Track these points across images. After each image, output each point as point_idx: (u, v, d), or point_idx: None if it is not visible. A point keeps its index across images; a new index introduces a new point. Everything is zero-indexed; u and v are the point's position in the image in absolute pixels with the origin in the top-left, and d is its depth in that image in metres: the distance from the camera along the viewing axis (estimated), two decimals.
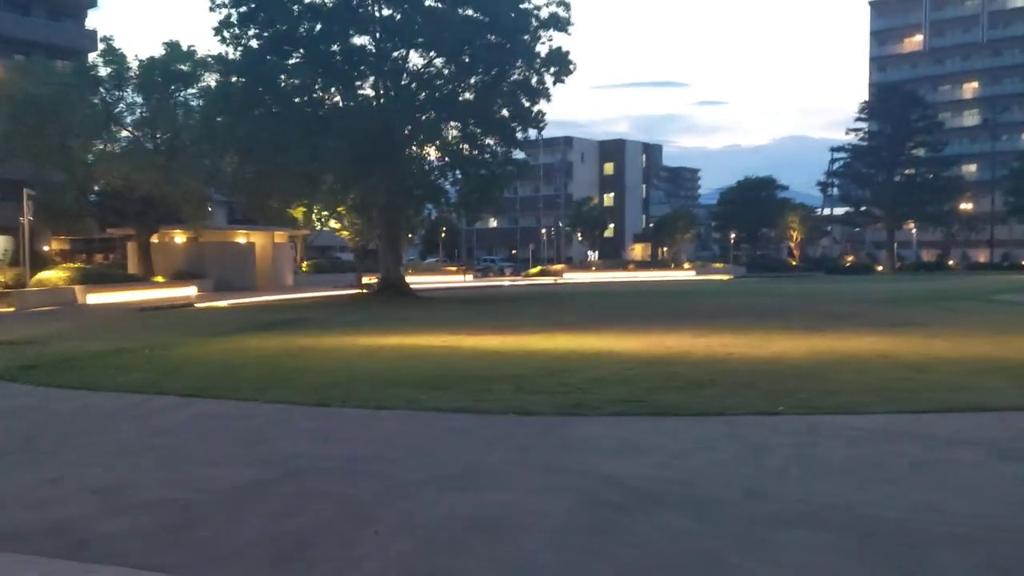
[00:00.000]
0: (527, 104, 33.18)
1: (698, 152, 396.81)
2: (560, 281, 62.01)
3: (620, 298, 35.16)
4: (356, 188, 31.96)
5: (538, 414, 9.21)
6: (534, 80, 32.68)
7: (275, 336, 18.25)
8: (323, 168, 30.55)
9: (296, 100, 30.85)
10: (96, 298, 34.00)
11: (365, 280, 39.26)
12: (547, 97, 32.83)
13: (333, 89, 32.03)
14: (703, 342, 16.06)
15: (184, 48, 40.21)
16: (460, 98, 33.39)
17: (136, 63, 40.08)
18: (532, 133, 34.16)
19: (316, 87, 31.23)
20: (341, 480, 6.72)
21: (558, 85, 32.60)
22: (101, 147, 39.64)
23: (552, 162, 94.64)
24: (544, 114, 33.85)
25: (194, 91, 39.68)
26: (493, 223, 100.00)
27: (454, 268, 71.67)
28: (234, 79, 30.55)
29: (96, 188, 42.40)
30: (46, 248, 58.46)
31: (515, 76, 32.67)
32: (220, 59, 30.96)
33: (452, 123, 33.69)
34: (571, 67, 32.73)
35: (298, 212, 52.09)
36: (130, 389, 10.94)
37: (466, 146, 34.11)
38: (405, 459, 7.35)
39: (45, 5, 58.91)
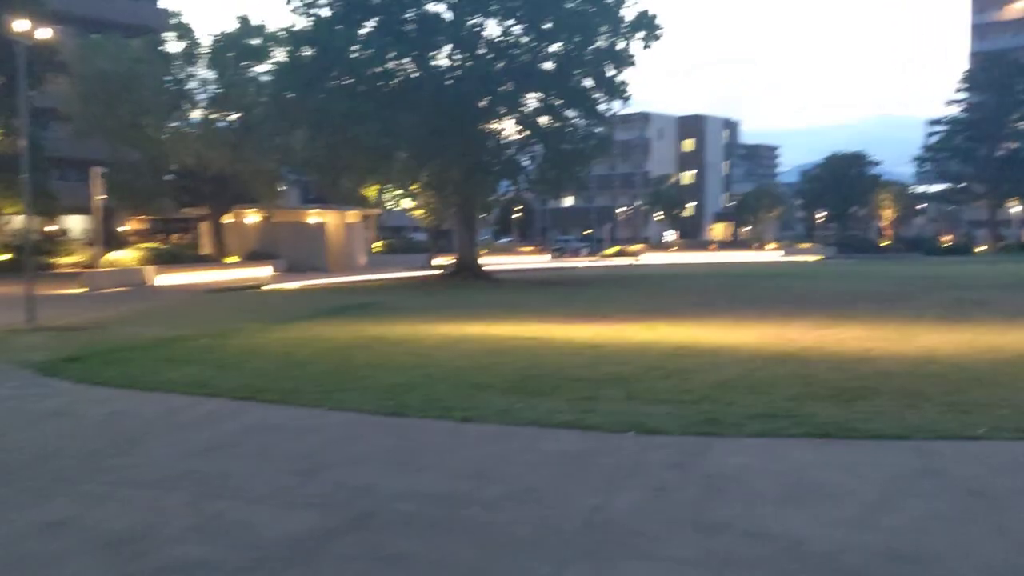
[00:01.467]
0: (611, 73, 30.98)
1: (775, 131, 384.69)
2: (638, 262, 59.61)
3: (711, 281, 32.80)
4: (430, 164, 30.34)
5: (664, 432, 7.32)
6: (620, 46, 30.44)
7: (344, 323, 16.72)
8: (396, 143, 29.02)
9: (367, 72, 29.27)
10: (165, 279, 33.30)
11: (438, 261, 37.74)
12: (632, 63, 30.56)
13: (407, 60, 30.34)
14: (831, 335, 13.88)
15: (255, 23, 39.23)
16: (540, 67, 31.39)
17: (208, 39, 39.32)
18: (615, 105, 31.95)
19: (389, 57, 29.59)
20: (424, 534, 4.98)
21: (646, 51, 30.28)
22: (174, 125, 38.89)
23: (629, 139, 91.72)
24: (627, 84, 31.65)
25: (266, 67, 38.62)
26: (568, 202, 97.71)
27: (529, 249, 69.90)
28: (304, 51, 29.11)
29: (170, 167, 41.84)
30: (123, 228, 58.95)
31: (599, 43, 30.49)
32: (290, 31, 29.46)
33: (531, 94, 31.72)
34: (659, 32, 30.40)
35: (371, 191, 51.02)
36: (178, 388, 9.44)
37: (546, 119, 32.14)
38: (504, 501, 5.57)
39: None
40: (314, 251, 45.69)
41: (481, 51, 31.68)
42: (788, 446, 6.91)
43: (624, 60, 30.62)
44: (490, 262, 43.64)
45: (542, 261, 60.54)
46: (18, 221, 50.54)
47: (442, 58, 31.92)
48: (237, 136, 38.17)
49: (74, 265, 41.59)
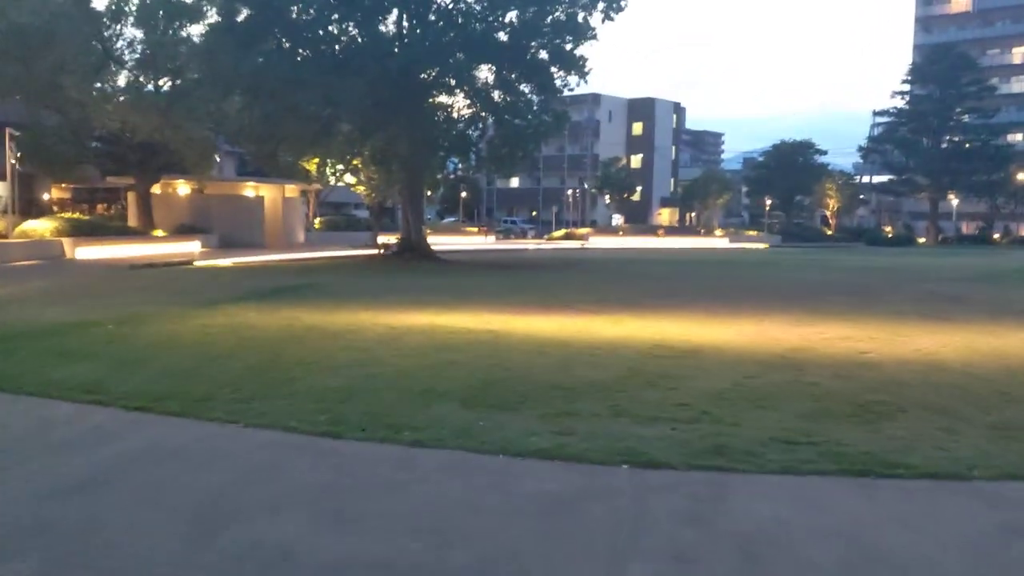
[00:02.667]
0: (569, 46, 29.41)
1: (719, 119, 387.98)
2: (587, 246, 58.57)
3: (666, 268, 31.66)
4: (375, 137, 28.42)
5: (666, 465, 5.89)
6: (580, 17, 28.85)
7: (276, 309, 14.95)
8: (338, 113, 27.05)
9: (308, 35, 27.13)
10: (86, 252, 30.89)
11: (381, 240, 35.86)
12: (593, 37, 29.03)
13: (351, 24, 28.26)
14: (815, 333, 12.64)
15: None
16: (493, 38, 29.64)
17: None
18: (572, 81, 30.36)
19: (332, 20, 27.47)
20: None
21: (607, 24, 28.77)
22: (98, 87, 36.11)
23: (579, 120, 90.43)
24: (586, 60, 30.12)
25: (199, 28, 36.07)
26: (515, 183, 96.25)
27: (475, 229, 68.29)
28: (240, 9, 26.82)
29: (94, 133, 38.97)
30: (46, 197, 55.45)
31: (557, 13, 28.86)
32: None
33: (483, 66, 29.97)
34: (622, 3, 28.89)
35: (311, 165, 48.74)
36: (61, 393, 7.68)
37: (499, 93, 30.45)
38: None
39: None
40: (250, 226, 43.40)
41: (432, 18, 29.80)
42: (824, 489, 5.53)
43: (583, 32, 29.07)
44: (435, 242, 41.89)
45: (488, 242, 59.00)
46: None
47: (390, 24, 29.97)
48: (167, 101, 35.60)
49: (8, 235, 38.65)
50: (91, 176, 45.95)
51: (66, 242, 31.09)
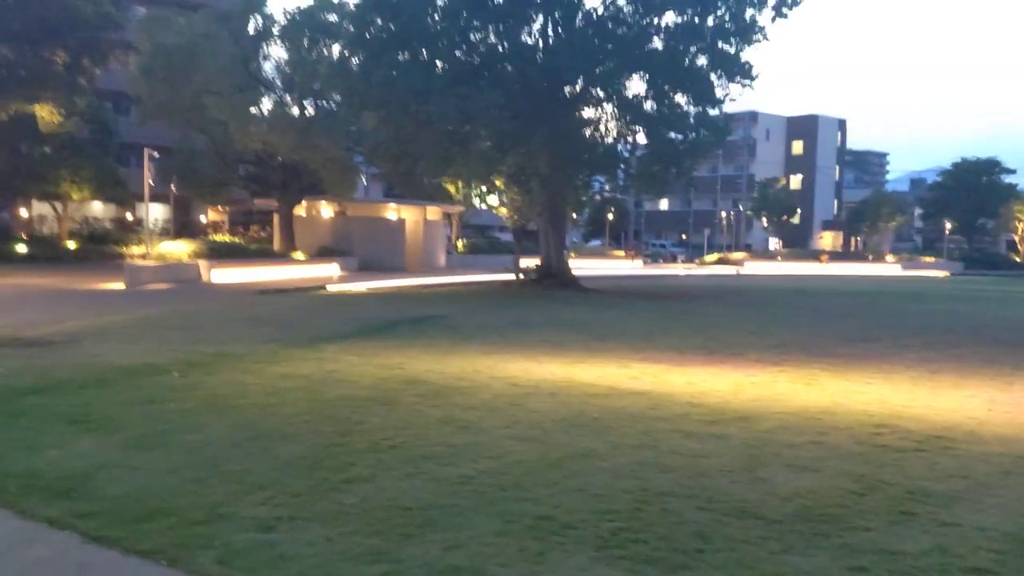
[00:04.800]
0: (733, 49, 26.02)
1: (879, 139, 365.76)
2: (742, 272, 54.10)
3: (844, 300, 27.41)
4: (513, 153, 26.02)
5: None
6: (747, 15, 25.43)
7: (384, 349, 12.54)
8: (474, 127, 24.82)
9: (444, 43, 25.05)
10: (221, 275, 30.00)
11: (525, 264, 33.42)
12: (763, 38, 25.54)
13: (490, 32, 25.99)
14: None
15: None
16: (646, 45, 26.67)
17: (282, 15, 36.00)
18: (735, 90, 26.86)
19: (471, 27, 25.28)
20: None
21: (778, 22, 25.21)
22: (240, 107, 35.73)
23: (734, 139, 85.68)
24: (752, 65, 26.62)
25: (339, 46, 35.05)
26: (664, 204, 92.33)
27: (621, 253, 65.07)
28: (374, 18, 25.09)
29: (238, 154, 38.77)
30: (202, 219, 56.78)
31: (721, 12, 25.55)
32: None
33: (635, 74, 27.00)
34: None
35: (454, 186, 47.18)
36: (22, 491, 5.37)
37: (651, 104, 27.39)
38: None
39: None
40: (390, 249, 42.13)
41: (578, 24, 27.17)
42: None
43: (750, 33, 25.60)
44: (579, 266, 39.14)
45: (635, 267, 55.66)
46: (91, 208, 48.91)
47: (533, 33, 27.52)
48: (306, 120, 34.73)
49: (142, 257, 39.15)
50: (243, 198, 46.27)
51: (202, 265, 30.38)
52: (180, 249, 31.34)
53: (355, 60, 26.56)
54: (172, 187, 44.08)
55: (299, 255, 38.53)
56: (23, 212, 45.88)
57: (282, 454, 6.42)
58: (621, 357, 12.25)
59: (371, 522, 4.95)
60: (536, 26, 27.62)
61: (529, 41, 26.64)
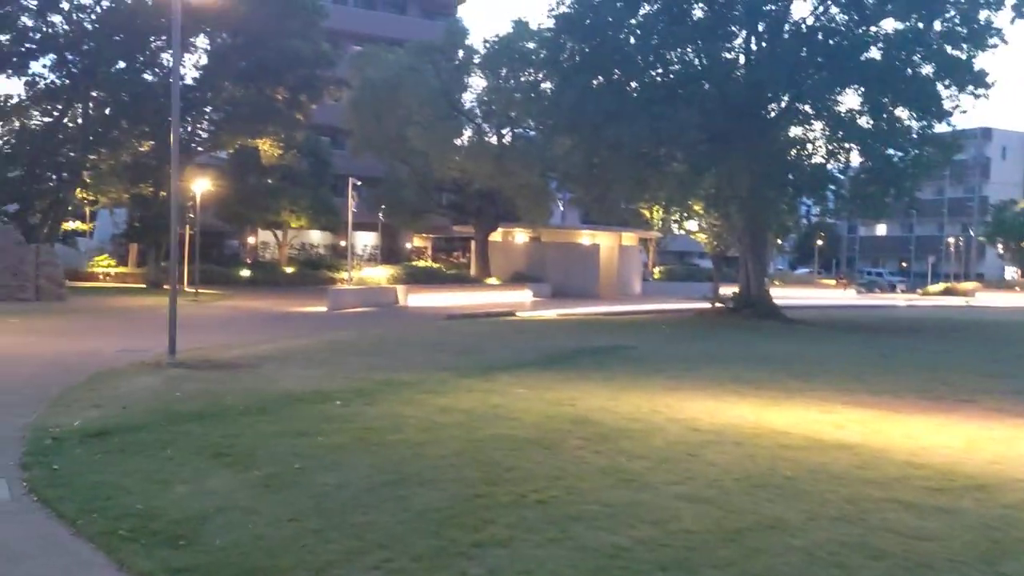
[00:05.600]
0: (963, 55, 23.22)
1: None
2: (973, 303, 48.56)
3: None
4: (710, 175, 24.55)
5: None
6: (981, 17, 22.62)
7: (558, 382, 11.74)
8: (668, 148, 23.66)
9: (639, 61, 24.06)
10: (417, 299, 30.64)
11: (725, 292, 31.62)
12: (1000, 41, 22.59)
13: (687, 48, 24.73)
14: None
15: (534, 26, 35.93)
16: (862, 56, 24.40)
17: (482, 45, 36.67)
18: (966, 102, 23.98)
19: (667, 45, 24.15)
20: None
21: (1017, 23, 22.26)
22: (439, 136, 36.65)
23: (963, 158, 78.21)
24: (987, 73, 23.62)
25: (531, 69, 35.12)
26: (881, 230, 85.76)
27: (831, 282, 60.84)
28: (565, 40, 24.63)
29: (437, 182, 39.81)
30: (408, 245, 59.09)
31: (951, 14, 22.88)
32: (555, 14, 24.86)
33: (848, 87, 24.75)
34: None
35: (652, 212, 46.00)
36: (129, 535, 5.00)
37: (866, 119, 24.99)
38: None
39: (418, 4, 59.30)
40: (584, 275, 41.57)
41: (784, 36, 25.37)
42: None
43: (983, 38, 22.74)
44: (782, 295, 36.58)
45: (847, 297, 51.64)
46: (308, 235, 52.17)
47: (734, 48, 26.00)
48: (501, 147, 35.01)
49: (345, 281, 41.09)
50: (444, 225, 47.64)
51: (399, 289, 31.19)
52: (380, 274, 32.41)
53: (548, 85, 26.26)
54: (380, 215, 46.12)
55: (493, 280, 38.85)
56: (251, 239, 49.69)
57: (416, 504, 5.73)
58: (825, 400, 10.71)
59: None
60: (738, 41, 26.13)
61: (729, 56, 25.15)
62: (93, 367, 11.81)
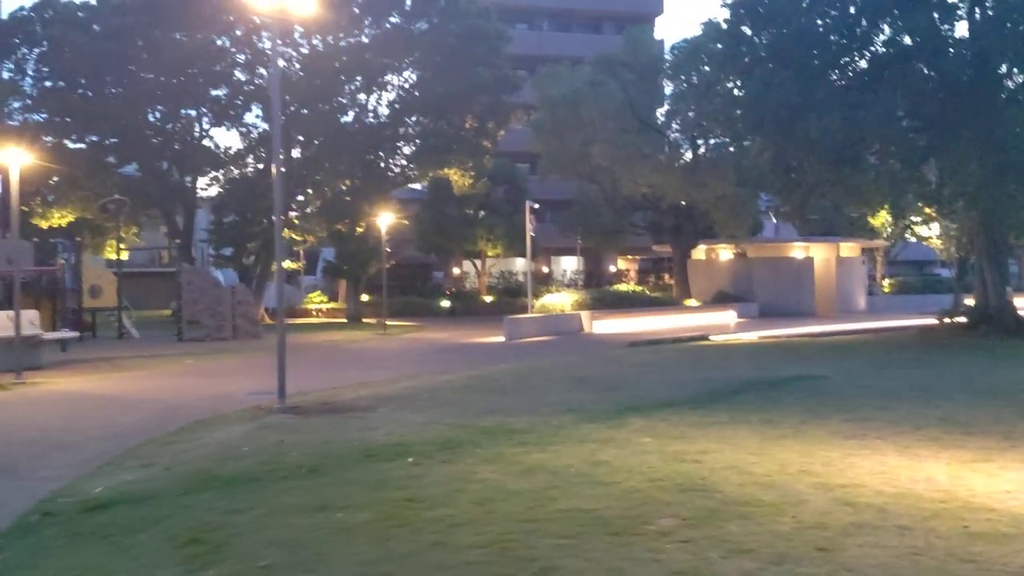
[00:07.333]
0: None
1: None
2: None
3: None
4: (928, 168, 20.84)
5: None
6: None
7: (700, 427, 9.59)
8: (866, 141, 20.35)
9: (833, 43, 20.89)
10: (603, 326, 28.87)
11: (956, 306, 27.11)
12: None
13: (891, 24, 21.19)
14: None
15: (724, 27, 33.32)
16: None
17: (669, 52, 34.59)
18: None
19: (862, 24, 20.80)
20: None
21: None
22: (624, 151, 34.81)
23: None
24: None
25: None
26: None
27: None
28: (744, 34, 22.03)
29: (625, 199, 37.91)
30: (612, 268, 57.45)
31: None
32: (732, 6, 22.26)
33: None
34: None
35: (878, 217, 41.24)
36: None
37: None
38: None
39: (613, 21, 58.04)
40: (796, 292, 37.89)
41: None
42: None
43: None
44: None
45: None
46: (508, 263, 51.97)
47: (950, 19, 22.09)
48: (691, 159, 32.56)
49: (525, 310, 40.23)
50: (646, 245, 45.61)
51: (584, 315, 29.58)
52: (562, 300, 30.95)
53: (730, 86, 23.74)
54: (578, 239, 44.93)
55: (692, 302, 36.22)
56: (455, 270, 50.29)
57: None
58: None
59: None
60: (959, 11, 22.19)
61: (944, 28, 21.34)
62: (201, 414, 11.22)
